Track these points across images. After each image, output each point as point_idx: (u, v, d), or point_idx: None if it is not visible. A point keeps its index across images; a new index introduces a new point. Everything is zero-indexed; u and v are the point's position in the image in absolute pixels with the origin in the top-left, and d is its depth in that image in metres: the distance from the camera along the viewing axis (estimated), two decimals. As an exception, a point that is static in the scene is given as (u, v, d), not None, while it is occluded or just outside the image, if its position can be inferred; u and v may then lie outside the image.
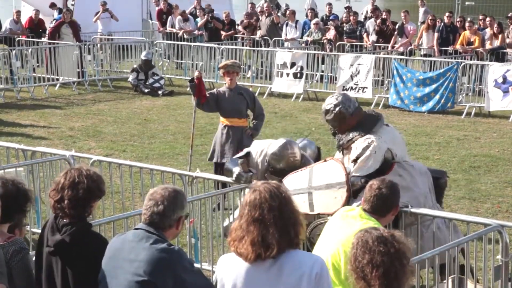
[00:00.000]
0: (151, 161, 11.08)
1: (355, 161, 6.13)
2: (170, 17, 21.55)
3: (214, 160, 9.17)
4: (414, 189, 5.96)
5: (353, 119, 6.28)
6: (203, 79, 9.53)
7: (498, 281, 5.39)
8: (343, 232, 4.71)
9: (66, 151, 7.82)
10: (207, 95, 9.19)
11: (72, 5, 23.26)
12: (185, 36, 20.82)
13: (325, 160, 6.30)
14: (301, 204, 6.08)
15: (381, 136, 6.16)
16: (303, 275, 3.50)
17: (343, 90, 16.19)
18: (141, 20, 24.29)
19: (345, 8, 22.02)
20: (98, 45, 19.05)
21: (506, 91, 14.68)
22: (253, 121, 9.31)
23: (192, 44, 19.22)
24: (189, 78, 9.48)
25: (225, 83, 9.31)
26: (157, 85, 17.50)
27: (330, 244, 4.72)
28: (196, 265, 5.54)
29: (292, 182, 6.27)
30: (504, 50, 17.23)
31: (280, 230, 3.51)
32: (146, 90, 17.32)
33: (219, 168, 8.73)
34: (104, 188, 4.26)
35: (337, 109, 6.27)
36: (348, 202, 5.93)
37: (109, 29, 21.09)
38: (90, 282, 4.01)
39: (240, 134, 9.11)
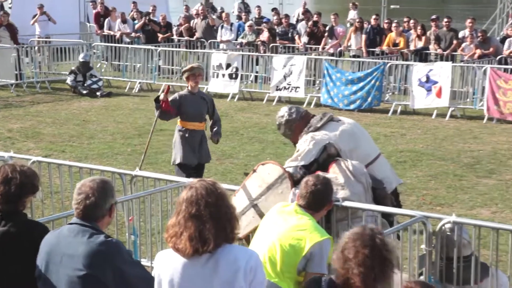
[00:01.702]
0: (90, 161, 10.95)
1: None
2: (107, 19, 21.32)
3: (178, 162, 8.79)
4: (348, 188, 6.04)
5: (302, 122, 6.51)
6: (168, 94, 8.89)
7: (423, 269, 5.52)
8: (279, 227, 4.76)
9: (4, 153, 7.66)
10: (170, 105, 8.83)
11: (10, 8, 22.75)
12: (124, 38, 20.62)
13: (254, 170, 6.25)
14: (251, 220, 6.05)
15: (325, 132, 6.29)
16: (238, 269, 3.52)
17: (276, 90, 16.35)
18: (78, 23, 23.95)
19: (272, 10, 22.14)
20: (36, 48, 18.72)
21: (429, 90, 15.00)
22: (215, 127, 9.04)
23: (130, 46, 19.07)
24: (155, 97, 9.10)
25: (187, 87, 8.95)
26: (95, 86, 17.29)
27: (267, 238, 4.76)
28: (136, 261, 5.51)
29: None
30: (427, 51, 17.62)
31: (216, 225, 3.52)
32: (85, 92, 17.10)
33: (183, 169, 8.60)
34: (38, 183, 4.19)
35: (283, 119, 6.57)
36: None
37: (47, 32, 20.72)
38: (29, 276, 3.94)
39: (200, 137, 8.89)
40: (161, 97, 8.83)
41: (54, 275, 3.83)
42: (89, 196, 3.81)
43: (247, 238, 6.13)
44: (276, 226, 4.77)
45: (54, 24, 20.73)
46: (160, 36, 20.54)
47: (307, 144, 6.26)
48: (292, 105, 7.00)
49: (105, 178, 4.03)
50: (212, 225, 3.51)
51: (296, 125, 6.51)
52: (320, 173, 5.59)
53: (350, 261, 3.28)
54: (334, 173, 6.07)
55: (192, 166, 8.81)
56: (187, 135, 8.83)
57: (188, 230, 3.52)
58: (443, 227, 5.42)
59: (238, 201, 6.16)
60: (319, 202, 4.88)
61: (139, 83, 18.01)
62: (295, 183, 5.98)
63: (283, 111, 6.66)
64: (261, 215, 5.94)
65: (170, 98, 8.84)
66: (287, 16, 20.76)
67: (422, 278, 5.41)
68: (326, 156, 6.23)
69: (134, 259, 4.00)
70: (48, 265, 3.86)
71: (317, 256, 4.65)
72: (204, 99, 9.00)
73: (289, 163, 6.24)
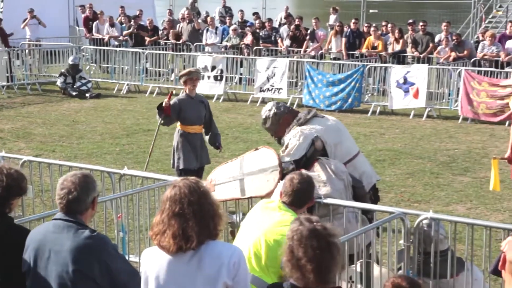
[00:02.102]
0: (79, 160, 10.88)
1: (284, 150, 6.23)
2: (95, 23, 21.23)
3: (182, 167, 8.52)
4: (330, 185, 6.05)
5: (289, 116, 6.47)
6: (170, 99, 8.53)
7: (401, 263, 5.54)
8: (263, 222, 4.76)
9: (-4, 152, 7.60)
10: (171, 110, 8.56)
11: (0, 12, 22.60)
12: (112, 41, 20.54)
13: (257, 149, 6.29)
14: (232, 191, 6.09)
15: (312, 126, 6.28)
16: (222, 265, 3.52)
17: (260, 91, 16.35)
18: (68, 27, 23.83)
19: (253, 14, 22.14)
20: (27, 51, 18.61)
21: (406, 91, 15.06)
22: (215, 132, 8.84)
23: (118, 49, 18.99)
24: (157, 105, 8.74)
25: (184, 92, 8.73)
26: (84, 88, 17.22)
27: (252, 233, 4.76)
28: (124, 257, 5.49)
29: (223, 172, 6.26)
30: (405, 54, 17.68)
31: (199, 223, 3.51)
32: (74, 93, 17.01)
33: (185, 174, 8.25)
34: (25, 185, 4.14)
35: (271, 112, 6.49)
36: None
37: (37, 35, 20.61)
38: (17, 275, 3.89)
39: (200, 140, 8.69)
40: (164, 103, 8.53)
41: (42, 271, 3.79)
42: (71, 191, 3.78)
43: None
44: (261, 222, 4.77)
45: (44, 27, 20.62)
46: (148, 39, 20.47)
47: (297, 139, 6.21)
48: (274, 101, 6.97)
49: (86, 172, 3.99)
50: (195, 223, 3.50)
51: (284, 117, 6.44)
52: (303, 171, 5.59)
53: (302, 259, 3.18)
54: (316, 171, 6.08)
55: (194, 170, 8.51)
56: (188, 139, 8.60)
57: (171, 228, 3.51)
58: (420, 223, 5.44)
59: (232, 168, 6.22)
60: (302, 199, 4.90)
61: (127, 84, 17.94)
62: (283, 176, 5.98)
63: (270, 105, 6.60)
64: (242, 190, 6.05)
65: (171, 102, 8.58)
66: (270, 20, 20.77)
67: (400, 272, 5.43)
68: (313, 150, 6.22)
69: (120, 254, 3.97)
70: (36, 261, 3.82)
71: None
72: (203, 102, 8.77)
73: (282, 157, 6.18)
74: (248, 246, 4.66)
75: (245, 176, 6.10)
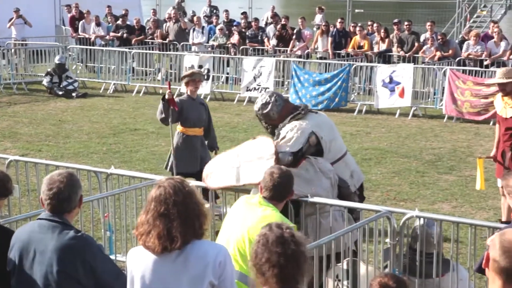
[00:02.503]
0: (66, 159, 10.83)
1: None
2: (81, 22, 21.14)
3: (176, 171, 8.21)
4: (316, 183, 6.06)
5: (289, 105, 6.45)
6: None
7: (387, 262, 5.56)
8: (245, 219, 4.77)
9: (-18, 152, 7.56)
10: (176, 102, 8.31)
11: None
12: (98, 41, 20.45)
13: (254, 138, 6.24)
14: (228, 179, 6.08)
15: (307, 121, 6.27)
16: (207, 264, 3.51)
17: (247, 90, 16.34)
18: (54, 26, 23.69)
19: (242, 14, 22.15)
20: (13, 50, 18.50)
21: (392, 90, 15.11)
22: (213, 135, 8.74)
23: (104, 48, 18.92)
24: (161, 96, 8.42)
25: (186, 92, 8.52)
26: (71, 87, 17.14)
27: (235, 231, 4.76)
28: (111, 256, 5.47)
29: (221, 161, 6.25)
30: (390, 53, 17.74)
31: (184, 223, 3.50)
32: (60, 93, 16.93)
33: (183, 177, 8.06)
34: (10, 186, 4.12)
35: (272, 98, 6.35)
36: None
37: (23, 35, 20.48)
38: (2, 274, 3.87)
39: (199, 143, 8.54)
40: (167, 95, 8.22)
41: (28, 271, 3.78)
42: (62, 191, 3.77)
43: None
44: (243, 219, 4.79)
45: (30, 27, 20.49)
46: (134, 38, 20.41)
47: (294, 132, 6.17)
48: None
49: (70, 171, 3.98)
50: (180, 223, 3.49)
51: (285, 105, 6.40)
52: (283, 167, 5.56)
53: (265, 265, 3.14)
54: (305, 169, 6.08)
55: (192, 174, 8.20)
56: (187, 141, 8.46)
57: (156, 228, 3.50)
58: (407, 222, 5.46)
59: (229, 156, 6.19)
60: (283, 193, 4.94)
61: (114, 84, 17.87)
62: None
63: (270, 92, 6.51)
64: (237, 178, 6.02)
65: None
66: (256, 19, 20.75)
67: (387, 270, 5.44)
68: (308, 146, 6.22)
69: (105, 254, 3.95)
70: (22, 261, 3.80)
71: None
72: (203, 104, 8.65)
73: (279, 148, 6.11)
74: (232, 244, 4.67)
75: (241, 164, 6.07)
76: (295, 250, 3.14)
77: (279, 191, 4.88)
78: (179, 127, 8.56)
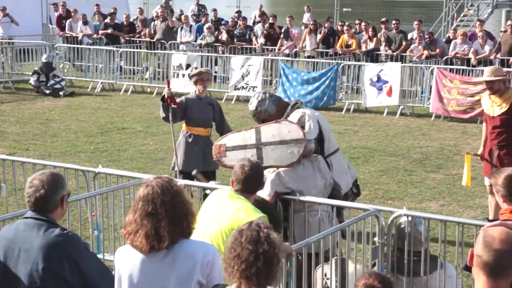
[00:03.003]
0: (54, 158, 10.78)
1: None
2: (68, 21, 21.03)
3: (180, 169, 8.10)
4: (310, 181, 6.07)
5: (283, 102, 6.46)
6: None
7: (375, 260, 5.57)
8: (218, 214, 4.78)
9: (-31, 151, 7.51)
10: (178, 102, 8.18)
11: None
12: (86, 39, 20.36)
13: (277, 121, 6.17)
14: (248, 158, 6.03)
15: (308, 110, 6.35)
16: (195, 263, 3.50)
17: (235, 89, 16.33)
18: (41, 25, 23.56)
19: (236, 12, 22.14)
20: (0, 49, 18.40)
21: (380, 89, 15.14)
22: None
23: (92, 47, 18.85)
24: (161, 97, 8.29)
25: (195, 91, 8.38)
26: (58, 86, 17.06)
27: (210, 227, 4.76)
28: (99, 256, 5.45)
29: (237, 139, 6.15)
30: (378, 52, 17.78)
31: (172, 222, 3.49)
32: (48, 91, 16.85)
33: (184, 176, 7.78)
34: None
35: (267, 95, 6.39)
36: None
37: (10, 33, 20.36)
38: None
39: (203, 144, 8.30)
40: (166, 93, 8.09)
41: (13, 269, 3.75)
42: (39, 189, 3.76)
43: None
44: (216, 214, 4.80)
45: (17, 26, 20.39)
46: (124, 35, 20.33)
47: (307, 119, 6.20)
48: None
49: (54, 171, 3.97)
50: (168, 223, 3.48)
51: (279, 100, 6.40)
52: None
53: (234, 259, 3.14)
54: (302, 165, 6.08)
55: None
56: (190, 140, 8.30)
57: (144, 228, 3.49)
58: (395, 221, 5.47)
59: (245, 136, 6.11)
60: (254, 185, 4.94)
61: (101, 83, 17.81)
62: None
63: (259, 93, 6.48)
64: (260, 158, 5.96)
65: (177, 100, 8.19)
66: (244, 18, 20.74)
67: (375, 269, 5.45)
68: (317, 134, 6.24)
69: (91, 252, 3.93)
70: (6, 260, 3.77)
71: None
72: (212, 104, 8.44)
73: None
74: (207, 238, 4.68)
75: (262, 146, 6.04)
76: (267, 251, 3.12)
77: (252, 183, 4.89)
78: (183, 126, 8.47)
